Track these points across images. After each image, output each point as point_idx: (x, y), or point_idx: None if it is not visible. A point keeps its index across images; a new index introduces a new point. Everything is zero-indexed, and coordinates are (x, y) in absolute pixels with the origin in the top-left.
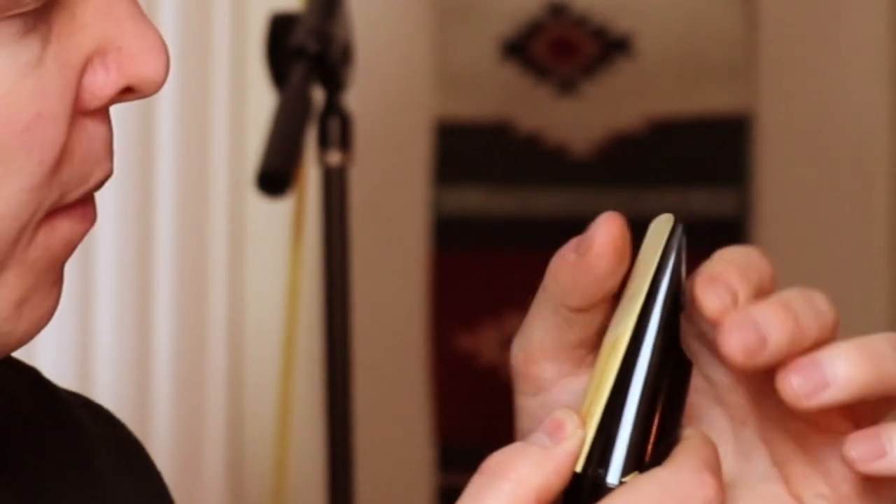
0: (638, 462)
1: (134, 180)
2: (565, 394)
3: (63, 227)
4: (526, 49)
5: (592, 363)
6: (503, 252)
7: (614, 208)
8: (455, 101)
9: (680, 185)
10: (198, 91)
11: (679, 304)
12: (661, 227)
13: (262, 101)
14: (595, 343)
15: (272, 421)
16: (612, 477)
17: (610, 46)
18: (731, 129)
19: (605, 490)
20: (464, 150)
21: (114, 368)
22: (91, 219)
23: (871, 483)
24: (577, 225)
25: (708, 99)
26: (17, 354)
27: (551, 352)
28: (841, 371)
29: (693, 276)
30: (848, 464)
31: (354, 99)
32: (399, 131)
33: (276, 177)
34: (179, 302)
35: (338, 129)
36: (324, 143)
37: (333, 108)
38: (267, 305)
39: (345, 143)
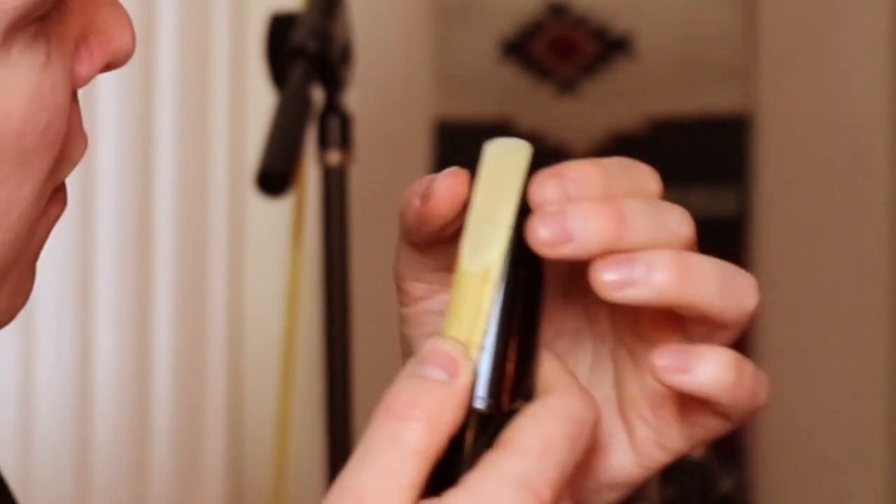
0: (522, 390)
1: (134, 180)
2: (435, 304)
3: (52, 213)
4: (526, 49)
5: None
6: None
7: None
8: (455, 101)
9: (680, 184)
10: (198, 91)
11: None
12: (508, 152)
13: (261, 100)
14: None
15: (272, 421)
16: (505, 405)
17: (610, 46)
18: (730, 129)
19: (499, 418)
20: (464, 150)
21: (114, 368)
22: (66, 200)
23: (688, 411)
24: None
25: (708, 99)
26: (16, 354)
27: (416, 273)
28: (655, 274)
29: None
30: (653, 374)
31: (354, 99)
32: (399, 131)
33: (275, 176)
34: (179, 302)
35: (338, 128)
36: (324, 142)
37: (333, 107)
38: (267, 305)
39: (345, 142)
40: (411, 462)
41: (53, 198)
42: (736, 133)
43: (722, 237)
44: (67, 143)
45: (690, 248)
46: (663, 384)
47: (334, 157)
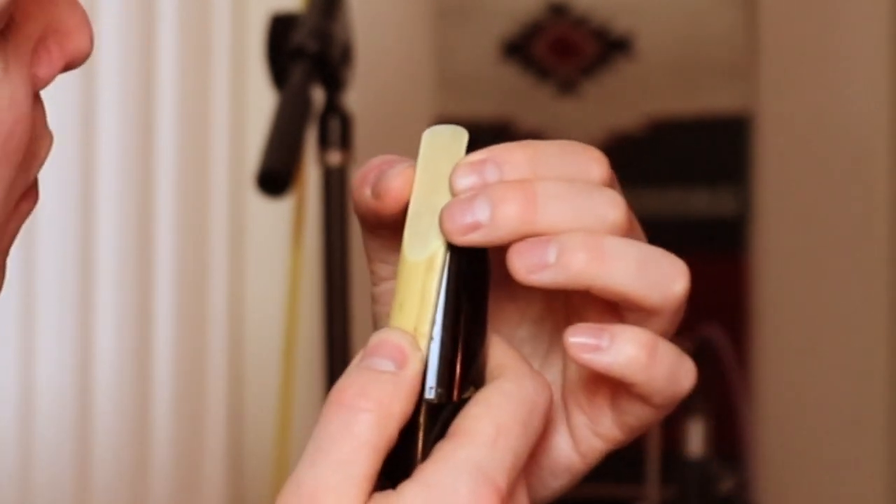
0: (472, 377)
1: (135, 180)
2: None
3: (23, 209)
4: (526, 49)
5: None
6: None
7: None
8: (455, 101)
9: (680, 184)
10: (198, 91)
11: None
12: (446, 139)
13: (262, 100)
14: None
15: (272, 421)
16: (456, 393)
17: (610, 46)
18: (731, 129)
19: (451, 407)
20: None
21: (114, 368)
22: (38, 195)
23: (618, 398)
24: None
25: (708, 99)
26: (17, 354)
27: (380, 255)
28: (567, 256)
29: None
30: (567, 351)
31: (355, 99)
32: (399, 131)
33: (276, 176)
34: (180, 301)
35: (338, 128)
36: (324, 142)
37: (334, 107)
38: (267, 305)
39: (345, 142)
40: (363, 454)
41: (24, 194)
42: (736, 133)
43: (722, 237)
44: (32, 143)
45: (620, 232)
46: (576, 362)
47: (335, 157)
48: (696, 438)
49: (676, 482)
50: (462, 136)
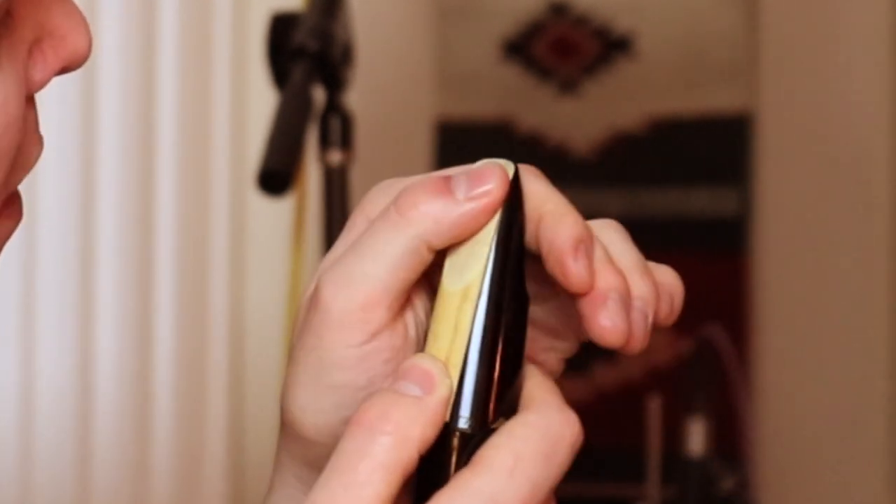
0: (503, 408)
1: (135, 179)
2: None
3: (6, 228)
4: (527, 49)
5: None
6: None
7: (615, 207)
8: (456, 101)
9: (681, 184)
10: (199, 90)
11: (524, 248)
12: None
13: (263, 100)
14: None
15: (273, 421)
16: (482, 424)
17: (611, 46)
18: (731, 129)
19: (475, 438)
20: (465, 150)
21: (115, 368)
22: (21, 210)
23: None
24: None
25: (709, 98)
26: (17, 354)
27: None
28: (650, 314)
29: (546, 228)
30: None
31: (355, 98)
32: (400, 131)
33: (277, 176)
34: (180, 301)
35: (339, 128)
36: (325, 142)
37: (334, 107)
38: (268, 305)
39: (346, 142)
40: (377, 476)
41: (6, 210)
42: (737, 133)
43: (723, 237)
44: (22, 149)
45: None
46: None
47: (335, 156)
48: (696, 438)
49: (677, 482)
50: (509, 169)
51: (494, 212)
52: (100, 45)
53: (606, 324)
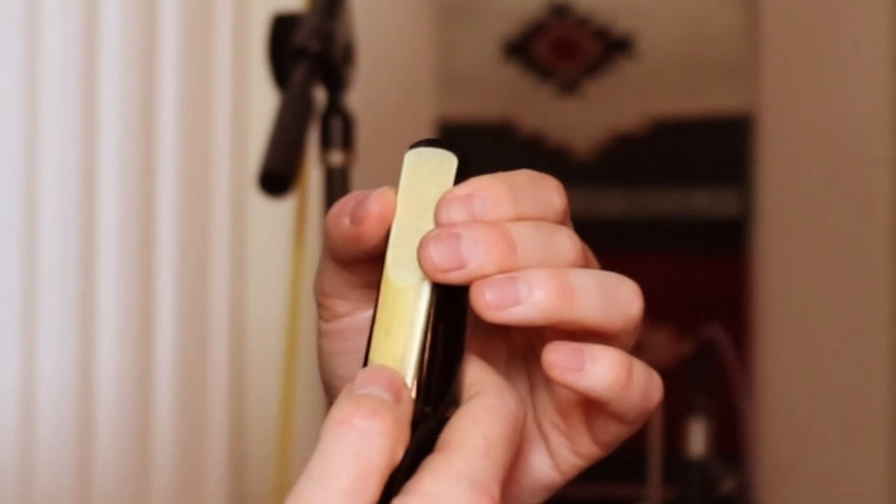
0: (454, 394)
1: (137, 180)
2: (358, 320)
3: None
4: (528, 49)
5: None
6: None
7: (616, 208)
8: (457, 101)
9: (682, 184)
10: (200, 91)
11: None
12: (434, 163)
13: (264, 101)
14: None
15: (274, 420)
16: (440, 412)
17: (612, 47)
18: (732, 130)
19: (432, 424)
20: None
21: (116, 368)
22: None
23: (594, 418)
24: (578, 225)
25: (710, 99)
26: (18, 354)
27: (340, 290)
28: (536, 293)
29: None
30: (547, 371)
31: (357, 99)
32: (401, 131)
33: (278, 177)
34: (182, 301)
35: (340, 129)
36: (326, 143)
37: (335, 108)
38: (269, 305)
39: (347, 143)
40: (373, 481)
41: None
42: (738, 133)
43: (723, 238)
44: None
45: (578, 266)
46: (557, 382)
47: (336, 157)
48: (697, 438)
49: (678, 482)
50: (451, 161)
51: (378, 230)
52: (100, 46)
53: (430, 251)
